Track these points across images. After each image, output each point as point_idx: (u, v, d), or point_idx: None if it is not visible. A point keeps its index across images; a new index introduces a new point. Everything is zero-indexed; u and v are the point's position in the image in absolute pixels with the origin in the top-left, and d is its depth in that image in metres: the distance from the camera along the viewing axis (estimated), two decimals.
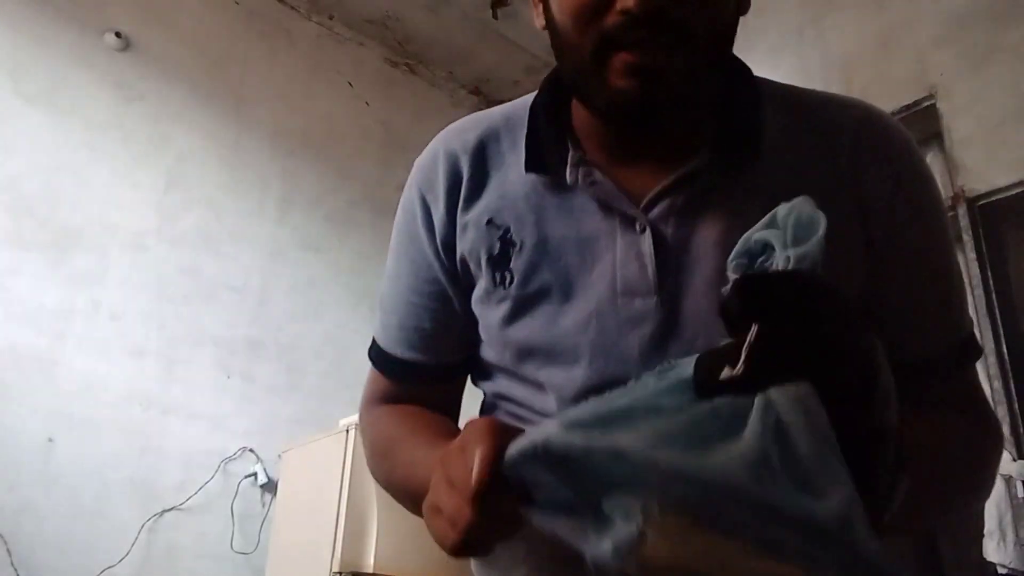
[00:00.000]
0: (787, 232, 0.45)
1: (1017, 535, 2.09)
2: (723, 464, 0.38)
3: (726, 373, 0.41)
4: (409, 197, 0.76)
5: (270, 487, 3.01)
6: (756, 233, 0.46)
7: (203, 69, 3.36)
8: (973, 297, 2.31)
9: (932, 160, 2.69)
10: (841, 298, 0.43)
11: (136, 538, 2.70)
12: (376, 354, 0.82)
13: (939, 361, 0.66)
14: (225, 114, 3.37)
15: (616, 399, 0.44)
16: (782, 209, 0.46)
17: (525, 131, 0.71)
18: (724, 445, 0.39)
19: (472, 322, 0.74)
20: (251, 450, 3.03)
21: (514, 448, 0.44)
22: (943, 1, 2.60)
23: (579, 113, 0.70)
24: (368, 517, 2.61)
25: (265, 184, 3.40)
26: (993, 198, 2.34)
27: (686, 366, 0.44)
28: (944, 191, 2.54)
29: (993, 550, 2.10)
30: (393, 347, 0.79)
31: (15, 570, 2.45)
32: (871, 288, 0.65)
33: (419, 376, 0.80)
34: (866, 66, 2.74)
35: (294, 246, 3.41)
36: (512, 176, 0.70)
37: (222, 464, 2.95)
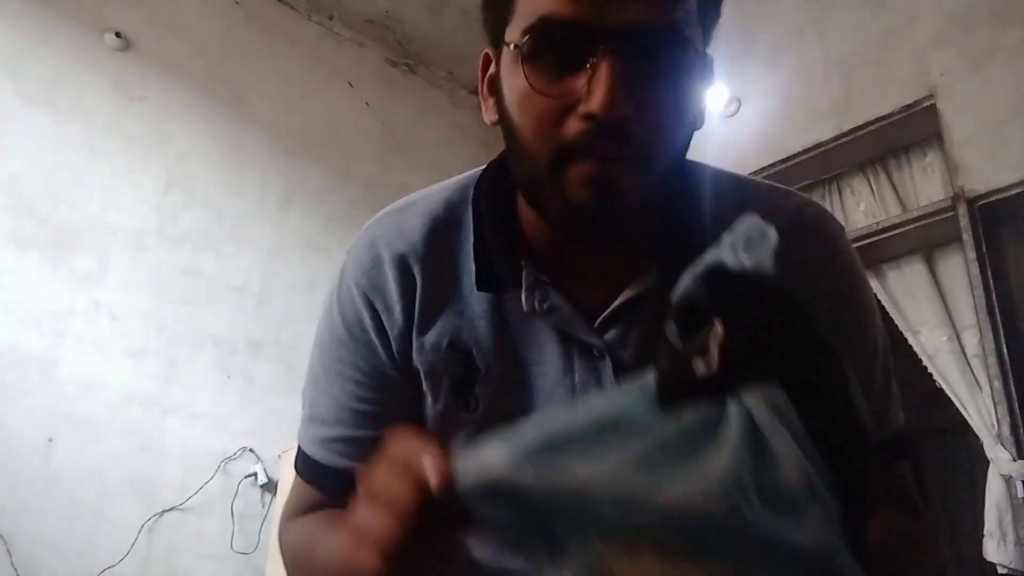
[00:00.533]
0: (739, 244, 0.44)
1: (1017, 535, 2.09)
2: (695, 491, 0.35)
3: (702, 370, 0.38)
4: (350, 299, 0.71)
5: (270, 487, 3.01)
6: (708, 254, 0.45)
7: (203, 69, 3.36)
8: (973, 297, 2.31)
9: (932, 160, 2.69)
10: (802, 301, 0.41)
11: (136, 538, 2.70)
12: (307, 466, 0.72)
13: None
14: (225, 114, 3.37)
15: (570, 418, 0.41)
16: (729, 233, 0.45)
17: (471, 234, 0.68)
18: (696, 464, 0.36)
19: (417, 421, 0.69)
20: (251, 450, 3.03)
21: (465, 478, 0.40)
22: (943, 1, 2.60)
23: (528, 216, 0.67)
24: None
25: (265, 184, 3.40)
26: (993, 198, 2.34)
27: (646, 378, 0.41)
28: (944, 191, 2.54)
29: (993, 550, 2.10)
30: (335, 459, 0.70)
31: (15, 570, 2.45)
32: None
33: (351, 483, 0.71)
34: (866, 66, 2.73)
35: (294, 246, 3.41)
36: (466, 291, 0.68)
37: (222, 464, 2.95)
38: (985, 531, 2.14)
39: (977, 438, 2.29)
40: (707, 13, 0.59)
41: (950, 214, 2.41)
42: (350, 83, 3.80)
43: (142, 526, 2.72)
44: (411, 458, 0.42)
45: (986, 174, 2.36)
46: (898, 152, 2.79)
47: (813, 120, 2.81)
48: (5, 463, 2.53)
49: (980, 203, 2.36)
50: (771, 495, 0.35)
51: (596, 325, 0.65)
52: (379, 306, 0.69)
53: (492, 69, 0.65)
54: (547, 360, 0.66)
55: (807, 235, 0.66)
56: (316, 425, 0.72)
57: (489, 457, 0.39)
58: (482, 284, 0.67)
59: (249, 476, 2.99)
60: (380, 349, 0.69)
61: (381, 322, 0.69)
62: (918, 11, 2.66)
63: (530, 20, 0.56)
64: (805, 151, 2.80)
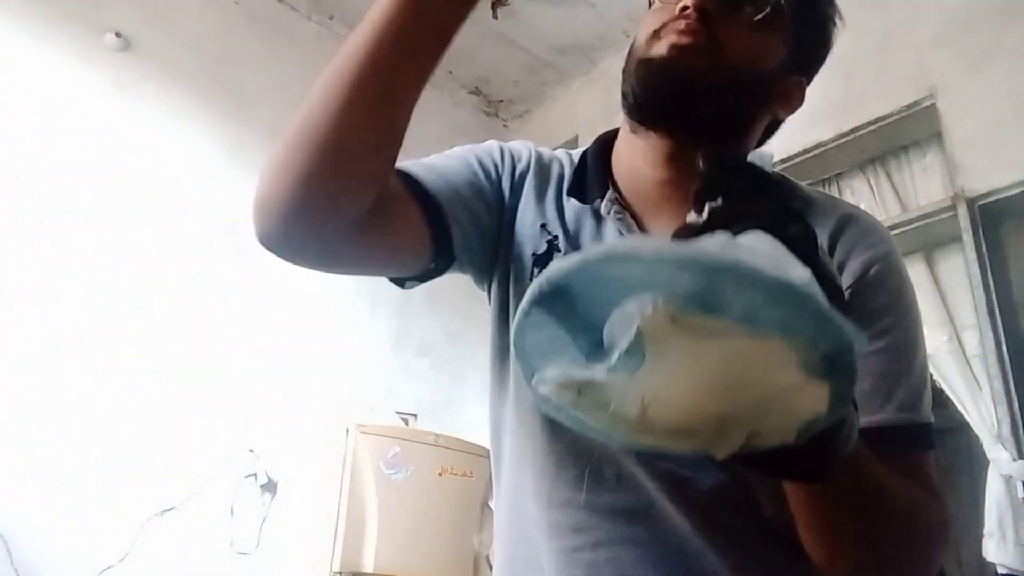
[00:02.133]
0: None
1: (1017, 535, 2.09)
2: (711, 244, 0.44)
3: (691, 218, 0.50)
4: (491, 145, 0.87)
5: (270, 487, 3.01)
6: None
7: (203, 69, 3.36)
8: (973, 297, 2.31)
9: (932, 160, 2.69)
10: (784, 186, 0.58)
11: (136, 538, 2.70)
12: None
13: (887, 432, 0.68)
14: (225, 114, 3.37)
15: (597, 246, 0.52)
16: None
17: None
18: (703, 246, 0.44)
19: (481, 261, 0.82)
20: (251, 450, 3.02)
21: (524, 299, 0.46)
22: (943, 1, 2.61)
23: (619, 165, 0.84)
24: (368, 517, 2.62)
25: None
26: (993, 198, 2.34)
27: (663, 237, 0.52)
28: (944, 191, 2.54)
29: (993, 550, 2.10)
30: (422, 173, 0.79)
31: (15, 570, 2.45)
32: None
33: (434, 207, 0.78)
34: (866, 66, 2.73)
35: None
36: (563, 200, 0.84)
37: (222, 464, 2.95)
38: (985, 531, 2.14)
39: (977, 438, 2.29)
40: (803, 39, 0.83)
41: (950, 214, 2.41)
42: None
43: (142, 526, 2.72)
44: None
45: (986, 174, 2.36)
46: (898, 152, 2.79)
47: (813, 120, 2.81)
48: (5, 463, 2.53)
49: (980, 203, 2.36)
50: (759, 259, 0.42)
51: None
52: (508, 158, 0.86)
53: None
54: None
55: (861, 234, 0.76)
56: (422, 162, 0.81)
57: (548, 268, 0.45)
58: (572, 191, 0.84)
59: (249, 476, 2.99)
60: (504, 176, 0.85)
61: (506, 165, 0.86)
62: (918, 11, 2.66)
63: None
64: (805, 151, 2.80)
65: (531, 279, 0.76)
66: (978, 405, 2.31)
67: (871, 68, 2.73)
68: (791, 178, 0.88)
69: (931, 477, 0.71)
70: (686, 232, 0.49)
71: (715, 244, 0.44)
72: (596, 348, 0.46)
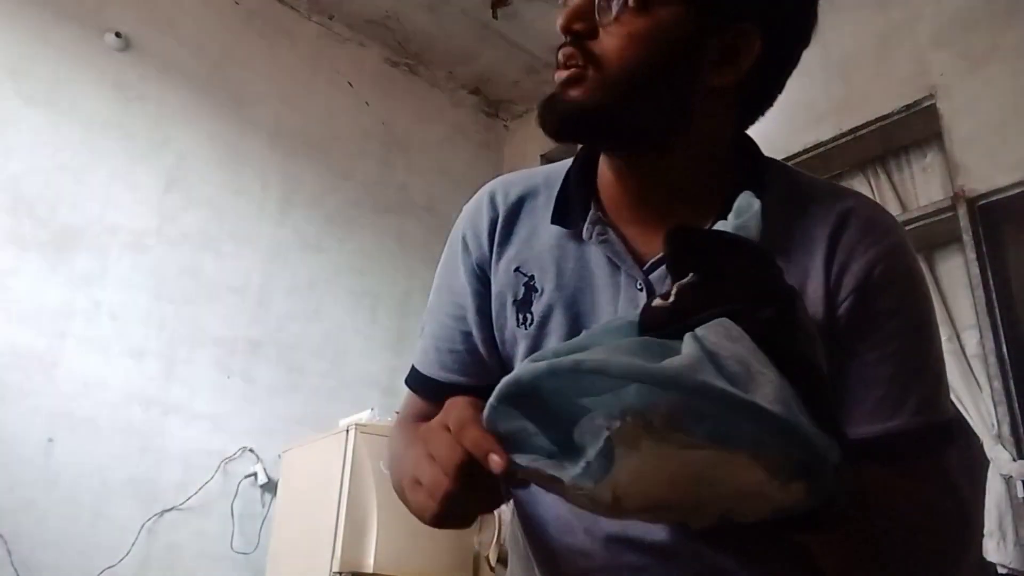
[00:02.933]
0: (731, 214, 0.55)
1: (1017, 535, 2.09)
2: (678, 364, 0.44)
3: (657, 302, 0.49)
4: (454, 237, 0.86)
5: (270, 487, 3.01)
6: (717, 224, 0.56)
7: (203, 69, 3.36)
8: (973, 297, 2.31)
9: (932, 160, 2.69)
10: (765, 253, 0.52)
11: (136, 538, 2.70)
12: (413, 378, 0.87)
13: (900, 439, 0.67)
14: (225, 114, 3.37)
15: (571, 342, 0.52)
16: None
17: (556, 192, 0.81)
18: (669, 359, 0.45)
19: (495, 348, 0.81)
20: (251, 450, 3.02)
21: (494, 394, 0.48)
22: (943, 1, 2.61)
23: (603, 176, 0.79)
24: (368, 517, 2.61)
25: (265, 184, 3.40)
26: (993, 198, 2.34)
27: (633, 315, 0.53)
28: (944, 191, 2.54)
29: (993, 550, 2.10)
30: (429, 369, 0.84)
31: (15, 570, 2.45)
32: (841, 365, 0.68)
33: (452, 395, 0.80)
34: (866, 66, 2.74)
35: (294, 246, 3.41)
36: (541, 230, 0.80)
37: (222, 464, 2.95)
38: (985, 531, 2.14)
39: (977, 438, 2.29)
40: None
41: (950, 214, 2.41)
42: (350, 83, 3.80)
43: (142, 526, 2.72)
44: (461, 423, 0.52)
45: (986, 174, 2.36)
46: (898, 152, 2.79)
47: (813, 120, 2.81)
48: (5, 463, 2.53)
49: (980, 203, 2.36)
50: (729, 378, 0.43)
51: (645, 268, 0.74)
52: (470, 236, 0.83)
53: None
54: (596, 287, 0.76)
55: (862, 232, 0.72)
56: (424, 340, 0.86)
57: (517, 370, 0.47)
58: (555, 219, 0.79)
59: (249, 476, 3.00)
60: (465, 274, 0.82)
61: (470, 251, 0.83)
62: (918, 11, 2.66)
63: None
64: (805, 151, 2.80)
65: (517, 325, 0.78)
66: (978, 405, 2.31)
67: (871, 68, 2.73)
68: (790, 166, 0.84)
69: (949, 475, 0.70)
70: (651, 316, 0.49)
71: (686, 362, 0.44)
72: (565, 443, 0.46)
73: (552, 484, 0.47)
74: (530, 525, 0.80)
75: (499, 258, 0.81)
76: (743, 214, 0.53)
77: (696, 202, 0.73)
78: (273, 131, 3.48)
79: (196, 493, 2.86)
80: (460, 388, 0.80)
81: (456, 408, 0.54)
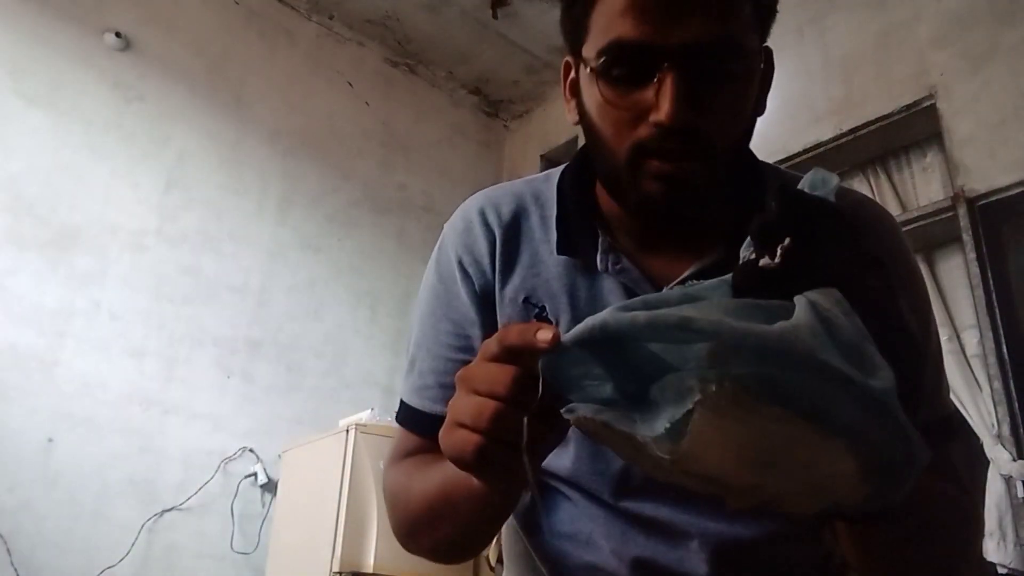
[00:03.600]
0: (805, 187, 0.50)
1: (1017, 535, 2.09)
2: (784, 328, 0.39)
3: (765, 262, 0.45)
4: (445, 261, 0.79)
5: (270, 487, 3.01)
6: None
7: (203, 69, 3.36)
8: (973, 297, 2.31)
9: (932, 160, 2.69)
10: (858, 223, 0.48)
11: (136, 538, 2.70)
12: (407, 415, 0.80)
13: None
14: (225, 114, 3.37)
15: (661, 294, 0.47)
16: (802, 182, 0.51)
17: (554, 211, 0.77)
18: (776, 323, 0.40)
19: None
20: (251, 450, 3.03)
21: (569, 335, 0.43)
22: (943, 1, 2.60)
23: (606, 199, 0.75)
24: (368, 517, 2.61)
25: (265, 184, 3.40)
26: (993, 198, 2.34)
27: (717, 279, 0.48)
28: (944, 191, 2.54)
29: (993, 550, 2.10)
30: (427, 405, 0.77)
31: (15, 570, 2.45)
32: None
33: None
34: (866, 66, 2.73)
35: (294, 246, 3.41)
36: (544, 255, 0.76)
37: (222, 464, 2.95)
38: (985, 531, 2.14)
39: (977, 438, 2.29)
40: (762, 12, 0.66)
41: (950, 214, 2.41)
42: (350, 83, 3.80)
43: (142, 526, 2.72)
44: (517, 333, 0.47)
45: (986, 174, 2.35)
46: (898, 152, 2.78)
47: (813, 120, 2.81)
48: (5, 463, 2.53)
49: (980, 203, 2.36)
50: (844, 353, 0.39)
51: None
52: (467, 261, 0.77)
53: (572, 75, 0.74)
54: None
55: (867, 227, 0.71)
56: (414, 376, 0.79)
57: (594, 317, 0.43)
58: (562, 248, 0.75)
59: (249, 476, 3.00)
60: (470, 302, 0.77)
61: (470, 276, 0.77)
62: (918, 11, 2.66)
63: (603, 42, 0.64)
64: (805, 151, 2.80)
65: None
66: (978, 405, 2.31)
67: (871, 68, 2.72)
68: (783, 169, 0.83)
69: (957, 470, 0.71)
70: (751, 277, 0.45)
71: (801, 327, 0.39)
72: (636, 398, 0.43)
73: (610, 437, 0.43)
74: (540, 536, 0.77)
75: (503, 285, 0.76)
76: (818, 187, 0.50)
77: (706, 228, 0.72)
78: (273, 131, 3.48)
79: (196, 493, 2.86)
80: None
81: (513, 329, 0.49)
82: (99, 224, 2.94)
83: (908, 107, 2.61)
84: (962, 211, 2.36)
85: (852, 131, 2.72)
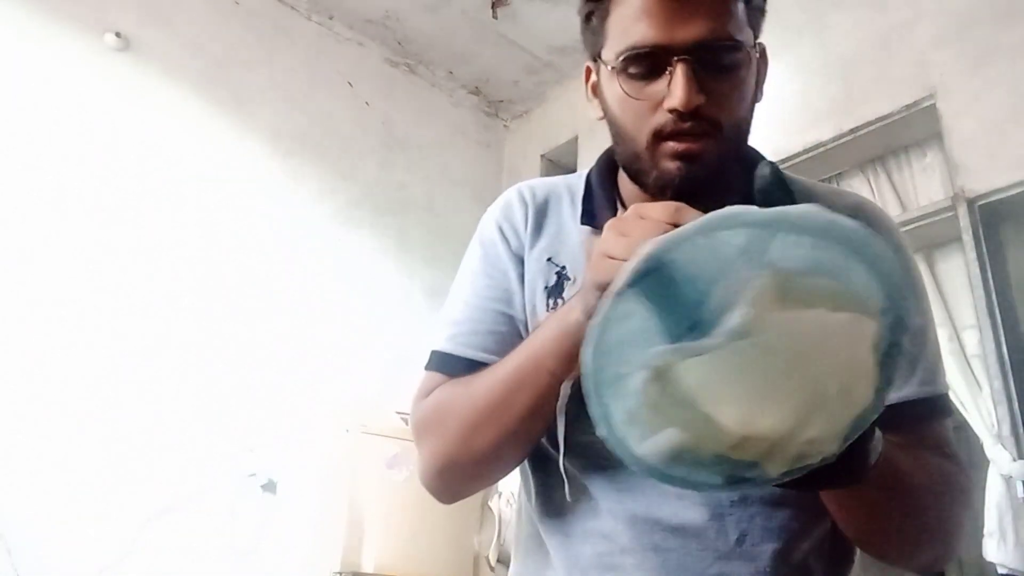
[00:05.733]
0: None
1: (1017, 535, 2.09)
2: (801, 207, 0.47)
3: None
4: (487, 230, 0.93)
5: (270, 487, 3.01)
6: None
7: (203, 69, 3.36)
8: (973, 297, 2.31)
9: (932, 160, 2.69)
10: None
11: (136, 538, 2.70)
12: (436, 360, 0.89)
13: (912, 406, 0.77)
14: (225, 114, 3.37)
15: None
16: None
17: (580, 195, 0.90)
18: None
19: (526, 330, 0.86)
20: (251, 450, 3.02)
21: (623, 278, 0.48)
22: (943, 1, 2.60)
23: (626, 186, 0.87)
24: (368, 517, 2.62)
25: (265, 184, 3.40)
26: (993, 198, 2.34)
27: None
28: (944, 191, 2.54)
29: (993, 550, 2.10)
30: (466, 351, 0.86)
31: (15, 570, 2.45)
32: None
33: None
34: (866, 66, 2.73)
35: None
36: (569, 228, 0.89)
37: (222, 464, 2.95)
38: (985, 531, 2.14)
39: (977, 438, 2.29)
40: (754, 13, 0.79)
41: (950, 214, 2.41)
42: (350, 83, 3.80)
43: (142, 526, 2.72)
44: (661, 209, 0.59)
45: (986, 174, 2.35)
46: (898, 152, 2.78)
47: (813, 120, 2.81)
48: (5, 463, 2.53)
49: (980, 203, 2.36)
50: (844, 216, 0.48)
51: None
52: (506, 227, 0.91)
53: (594, 78, 0.86)
54: None
55: (871, 222, 0.79)
56: (448, 325, 0.89)
57: (653, 242, 0.48)
58: (585, 219, 0.87)
59: (249, 476, 2.99)
60: (507, 258, 0.89)
61: (507, 239, 0.90)
62: (918, 11, 2.66)
63: (621, 46, 0.76)
64: (805, 151, 2.80)
65: (547, 309, 0.84)
66: (978, 405, 2.31)
67: (871, 68, 2.72)
68: (790, 173, 0.90)
69: (951, 443, 0.80)
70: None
71: (811, 207, 0.47)
72: (689, 333, 0.47)
73: (660, 400, 0.48)
74: (548, 511, 0.83)
75: (532, 248, 0.89)
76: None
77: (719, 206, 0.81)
78: (273, 131, 3.48)
79: (196, 493, 2.86)
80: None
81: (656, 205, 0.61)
82: None
83: (908, 107, 2.61)
84: (962, 211, 2.36)
85: (852, 131, 2.72)
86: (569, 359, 0.69)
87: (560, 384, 0.71)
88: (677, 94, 0.72)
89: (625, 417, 0.49)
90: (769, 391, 0.47)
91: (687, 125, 0.74)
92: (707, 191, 0.76)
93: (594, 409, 0.49)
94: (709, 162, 0.75)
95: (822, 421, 0.47)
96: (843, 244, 0.45)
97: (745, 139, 0.81)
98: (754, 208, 0.47)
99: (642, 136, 0.77)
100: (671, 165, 0.76)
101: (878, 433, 0.57)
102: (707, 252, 0.46)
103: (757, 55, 0.79)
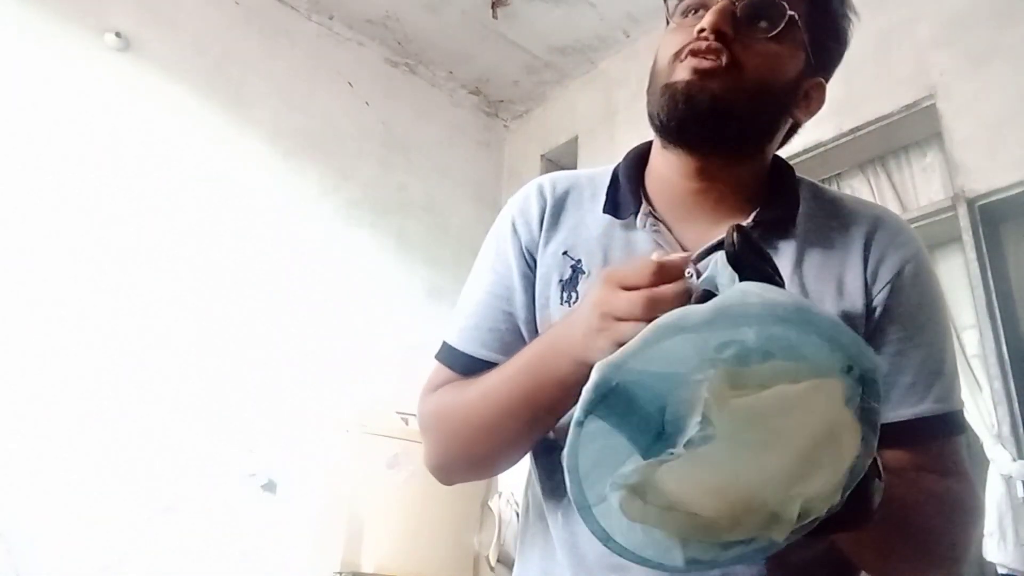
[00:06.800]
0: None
1: (1017, 535, 2.09)
2: (739, 296, 0.48)
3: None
4: (502, 223, 0.93)
5: (270, 487, 3.01)
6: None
7: (203, 69, 3.36)
8: (973, 297, 2.31)
9: (932, 160, 2.69)
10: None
11: (136, 538, 2.69)
12: (448, 354, 0.90)
13: (926, 423, 0.76)
14: (225, 114, 3.37)
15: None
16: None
17: (606, 187, 0.90)
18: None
19: (534, 329, 0.86)
20: (251, 450, 3.02)
21: (577, 410, 0.49)
22: (943, 1, 2.60)
23: (652, 178, 0.89)
24: (368, 517, 2.62)
25: (265, 184, 3.40)
26: (993, 198, 2.34)
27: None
28: (944, 191, 2.54)
29: (993, 550, 2.10)
30: (468, 347, 0.88)
31: (14, 570, 2.44)
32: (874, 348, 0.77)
33: (485, 371, 0.86)
34: (866, 66, 2.73)
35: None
36: (588, 219, 0.88)
37: (223, 465, 2.94)
38: (985, 531, 2.14)
39: (977, 438, 2.29)
40: (815, 7, 0.85)
41: (950, 214, 2.41)
42: (350, 83, 3.80)
43: (142, 526, 2.72)
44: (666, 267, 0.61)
45: (986, 174, 2.35)
46: (898, 152, 2.78)
47: (813, 120, 2.80)
48: (5, 462, 2.53)
49: (980, 203, 2.36)
50: (786, 298, 0.50)
51: (693, 257, 0.79)
52: (519, 222, 0.90)
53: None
54: None
55: (893, 233, 0.83)
56: (459, 319, 0.90)
57: (597, 370, 0.50)
58: (607, 208, 0.87)
59: (249, 476, 2.99)
60: (514, 254, 0.89)
61: (519, 234, 0.89)
62: (918, 11, 2.66)
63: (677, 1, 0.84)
64: (805, 151, 2.80)
65: (561, 303, 0.84)
66: (978, 405, 2.31)
67: (871, 68, 2.72)
68: (816, 182, 0.93)
69: (963, 460, 0.79)
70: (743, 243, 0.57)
71: (747, 293, 0.48)
72: (656, 442, 0.48)
73: (644, 511, 0.49)
74: (554, 507, 0.83)
75: (547, 242, 0.88)
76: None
77: (737, 210, 0.83)
78: (273, 131, 3.48)
79: (196, 493, 2.86)
80: (494, 366, 0.84)
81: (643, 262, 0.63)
82: None
83: (908, 107, 2.61)
84: (962, 211, 2.36)
85: (852, 131, 2.72)
86: (564, 388, 0.68)
87: (556, 415, 0.74)
88: (707, 18, 0.77)
89: (625, 527, 0.51)
90: (753, 472, 0.47)
91: (706, 44, 0.77)
92: (707, 131, 0.79)
93: (595, 530, 0.52)
94: (717, 91, 0.77)
95: (818, 478, 0.48)
96: (786, 323, 0.46)
97: (766, 109, 0.82)
98: (693, 309, 0.47)
99: (670, 55, 0.80)
100: (682, 76, 0.78)
101: (878, 477, 0.57)
102: (656, 363, 0.47)
103: (805, 39, 0.82)
